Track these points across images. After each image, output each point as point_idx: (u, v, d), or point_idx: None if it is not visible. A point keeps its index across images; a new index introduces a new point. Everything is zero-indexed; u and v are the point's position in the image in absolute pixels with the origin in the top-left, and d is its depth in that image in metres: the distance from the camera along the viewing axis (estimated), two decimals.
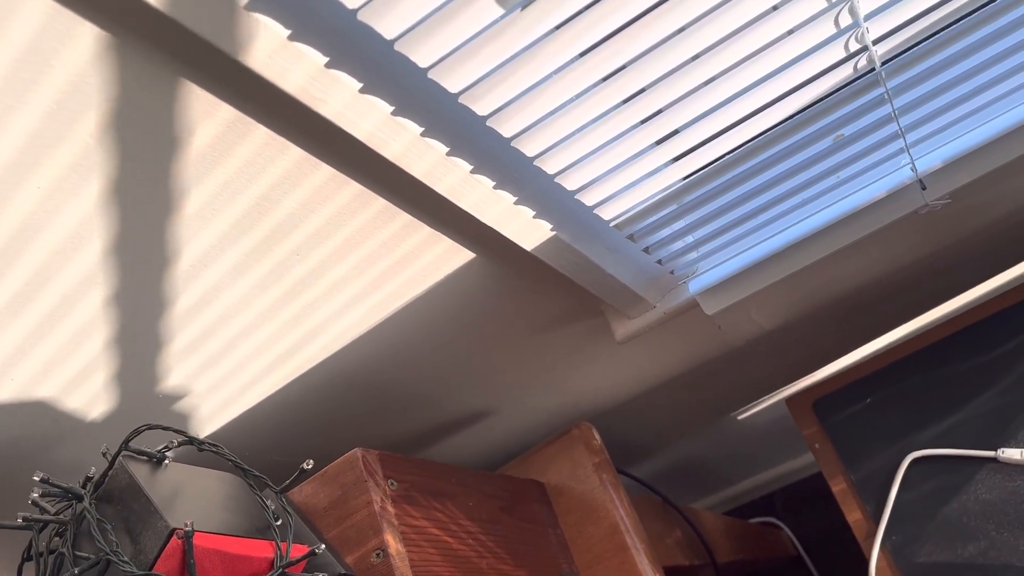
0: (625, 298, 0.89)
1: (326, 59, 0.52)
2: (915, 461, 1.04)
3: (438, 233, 0.75)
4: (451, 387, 1.03)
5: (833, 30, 0.58)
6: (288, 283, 0.74)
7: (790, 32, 0.58)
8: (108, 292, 0.66)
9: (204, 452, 0.71)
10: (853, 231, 0.82)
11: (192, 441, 0.70)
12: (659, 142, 0.67)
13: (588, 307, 0.95)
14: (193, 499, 0.67)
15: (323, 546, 0.66)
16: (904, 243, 1.00)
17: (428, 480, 0.86)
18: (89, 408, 0.77)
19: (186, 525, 0.61)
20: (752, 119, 0.65)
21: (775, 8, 0.56)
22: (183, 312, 0.71)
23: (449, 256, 0.79)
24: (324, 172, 0.64)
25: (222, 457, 0.70)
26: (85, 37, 0.48)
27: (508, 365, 1.03)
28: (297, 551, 0.67)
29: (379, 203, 0.69)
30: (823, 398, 1.12)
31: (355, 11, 0.49)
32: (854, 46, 0.61)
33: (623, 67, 0.59)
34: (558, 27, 0.54)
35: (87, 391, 0.75)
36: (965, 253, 1.06)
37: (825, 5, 0.56)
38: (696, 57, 0.59)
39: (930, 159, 0.79)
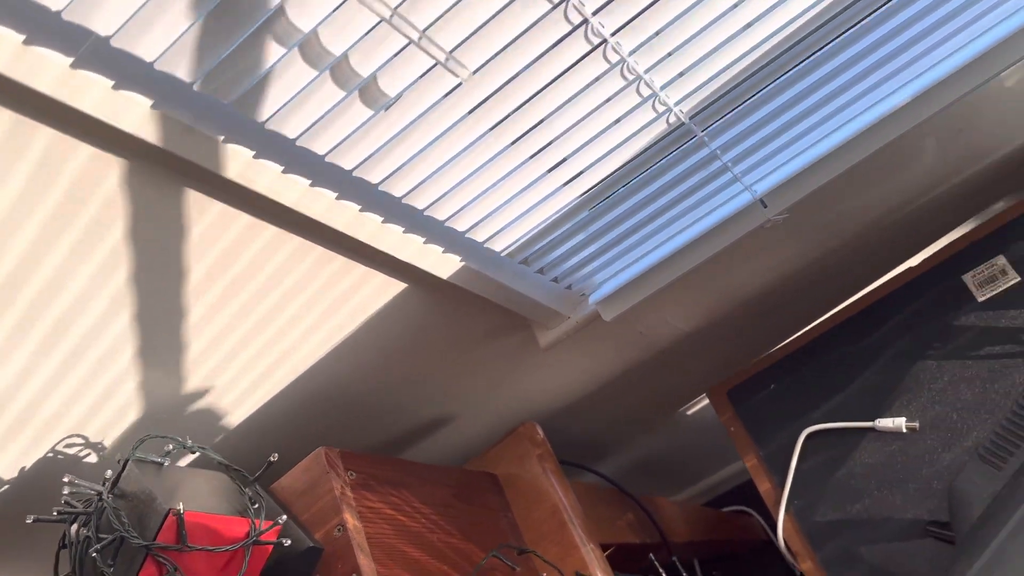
0: (540, 312, 1.08)
1: (252, 152, 0.72)
2: (810, 436, 1.21)
3: (372, 270, 0.94)
4: (411, 399, 1.22)
5: (638, 99, 0.77)
6: (256, 317, 0.93)
7: (607, 100, 0.77)
8: (118, 331, 0.86)
9: (202, 456, 0.91)
10: (713, 245, 1.00)
11: (184, 446, 0.89)
12: (529, 186, 0.86)
13: (515, 321, 1.14)
14: (186, 490, 0.87)
15: (284, 517, 0.85)
16: (785, 253, 1.18)
17: (385, 471, 1.05)
18: (108, 426, 0.96)
19: (180, 506, 0.80)
20: (597, 165, 0.84)
21: (588, 86, 0.75)
22: (177, 344, 0.91)
23: (385, 288, 0.98)
24: (270, 231, 0.83)
25: (209, 457, 0.90)
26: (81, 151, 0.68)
27: (459, 377, 1.22)
28: (268, 526, 0.87)
29: (318, 250, 0.88)
30: (735, 387, 1.30)
31: (263, 123, 0.68)
32: (660, 108, 0.80)
33: (471, 144, 0.78)
34: (435, 104, 0.73)
35: (107, 412, 0.95)
36: (844, 258, 1.24)
37: (623, 83, 0.75)
38: (541, 122, 0.78)
39: (768, 181, 0.97)
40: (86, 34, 0.57)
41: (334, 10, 0.61)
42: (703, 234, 0.99)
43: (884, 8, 0.84)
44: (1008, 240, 1.14)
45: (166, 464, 0.89)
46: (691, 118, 0.82)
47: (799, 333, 1.28)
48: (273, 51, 0.62)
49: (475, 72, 0.69)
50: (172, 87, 0.64)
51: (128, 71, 0.61)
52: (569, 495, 1.21)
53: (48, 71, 0.58)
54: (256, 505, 0.89)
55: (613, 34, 0.71)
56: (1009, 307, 1.12)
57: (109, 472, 0.88)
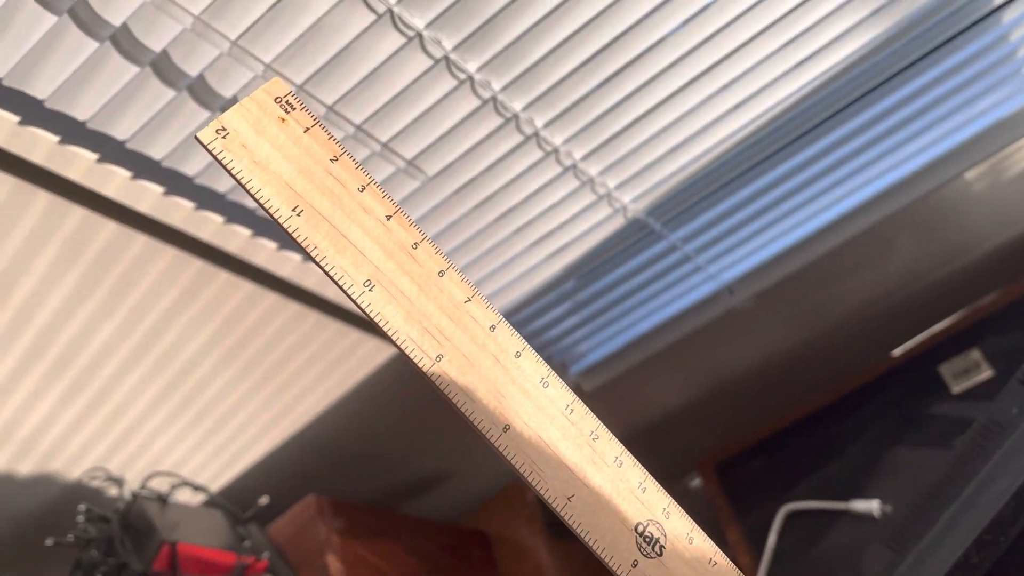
0: None
1: (250, 231, 0.83)
2: (789, 514, 1.25)
3: (365, 334, 1.05)
4: (408, 455, 1.31)
5: (592, 198, 0.87)
6: (261, 371, 1.04)
7: (561, 201, 0.87)
8: (138, 380, 0.98)
9: (203, 495, 1.01)
10: (683, 328, 1.07)
11: (186, 483, 1.00)
12: (500, 270, 0.95)
13: None
14: (184, 524, 0.97)
15: (268, 553, 0.95)
16: (767, 337, 1.25)
17: (373, 521, 1.14)
18: (122, 464, 1.08)
19: (173, 539, 0.91)
20: (553, 257, 0.93)
21: (544, 185, 0.84)
22: (189, 392, 1.03)
23: (379, 350, 1.08)
24: (270, 298, 0.95)
25: (206, 494, 1.00)
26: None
27: (454, 434, 1.31)
28: (253, 561, 0.96)
29: (314, 316, 0.99)
30: (722, 461, 1.35)
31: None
32: (616, 205, 0.89)
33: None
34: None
35: (124, 450, 1.07)
36: (827, 344, 1.29)
37: (577, 184, 0.85)
38: (495, 220, 0.88)
39: (735, 269, 1.05)
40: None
41: None
42: (674, 317, 1.07)
43: (851, 106, 0.89)
44: (983, 334, 1.18)
45: (170, 500, 1.00)
46: (649, 213, 0.91)
47: (784, 413, 1.33)
48: None
49: (433, 177, 0.79)
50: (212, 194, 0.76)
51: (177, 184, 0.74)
52: (554, 553, 1.27)
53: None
54: (245, 541, 0.99)
55: (564, 143, 0.80)
56: (981, 399, 1.16)
57: (120, 504, 0.99)
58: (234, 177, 0.38)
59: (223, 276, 0.90)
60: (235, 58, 0.65)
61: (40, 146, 0.69)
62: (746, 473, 1.32)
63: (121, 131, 0.68)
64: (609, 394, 1.22)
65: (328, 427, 1.17)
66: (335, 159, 0.39)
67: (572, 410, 0.40)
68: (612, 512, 0.39)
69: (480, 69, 0.71)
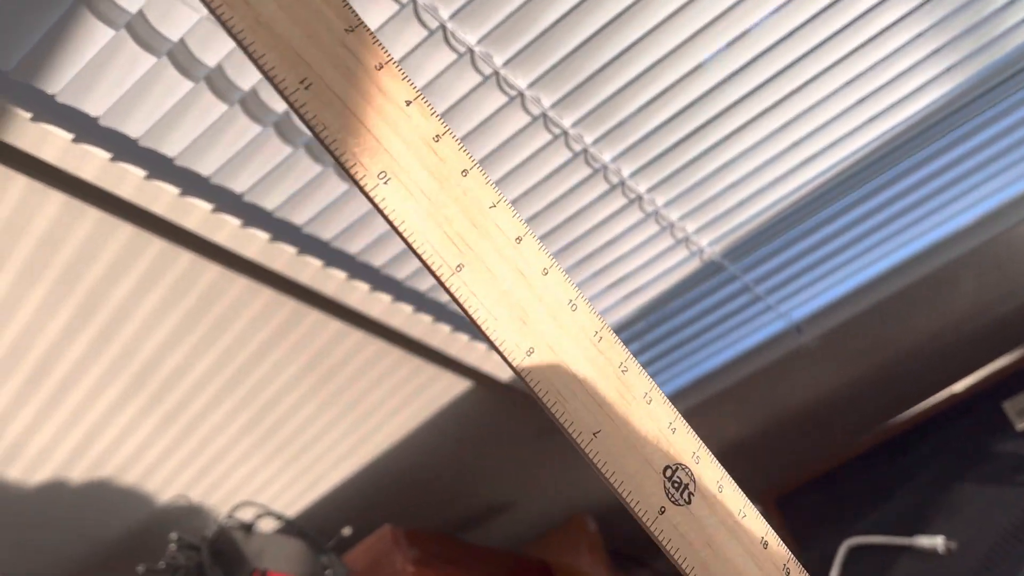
0: None
1: (345, 274, 0.87)
2: (851, 548, 1.26)
3: (441, 369, 1.08)
4: (474, 485, 1.34)
5: (671, 241, 0.90)
6: (340, 405, 1.08)
7: (641, 244, 0.90)
8: (226, 413, 1.02)
9: (285, 523, 1.05)
10: (750, 366, 1.10)
11: (272, 513, 1.04)
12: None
13: None
14: (270, 552, 1.01)
15: None
16: (829, 372, 1.26)
17: (445, 550, 1.17)
18: (205, 491, 1.12)
19: (263, 567, 0.94)
20: (627, 299, 0.96)
21: (626, 231, 0.88)
22: (271, 425, 1.07)
23: (450, 386, 1.12)
24: (355, 336, 0.99)
25: (292, 524, 1.04)
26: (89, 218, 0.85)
27: (520, 466, 1.33)
28: None
29: (396, 353, 1.03)
30: (783, 495, 1.36)
31: (328, 241, 0.84)
32: (693, 248, 0.92)
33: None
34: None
35: (210, 478, 1.11)
36: (889, 378, 1.31)
37: (657, 229, 0.88)
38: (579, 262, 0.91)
39: (805, 308, 1.07)
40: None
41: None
42: (741, 354, 1.09)
43: (926, 151, 0.92)
44: None
45: (255, 528, 1.04)
46: (724, 256, 0.94)
47: (846, 447, 1.34)
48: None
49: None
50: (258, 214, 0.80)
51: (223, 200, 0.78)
52: None
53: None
54: (328, 570, 1.02)
55: (649, 191, 0.84)
56: None
57: (209, 532, 1.03)
58: (233, 37, 0.33)
59: (313, 315, 0.94)
60: None
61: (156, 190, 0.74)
62: (808, 507, 1.33)
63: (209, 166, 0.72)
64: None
65: (400, 458, 1.21)
66: (350, 29, 0.34)
67: (601, 338, 0.36)
68: (639, 452, 0.36)
69: (575, 124, 0.75)
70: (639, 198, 0.84)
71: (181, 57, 0.62)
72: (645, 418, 0.37)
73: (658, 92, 0.74)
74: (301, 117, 0.33)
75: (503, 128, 0.73)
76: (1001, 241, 1.11)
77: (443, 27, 0.65)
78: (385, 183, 0.33)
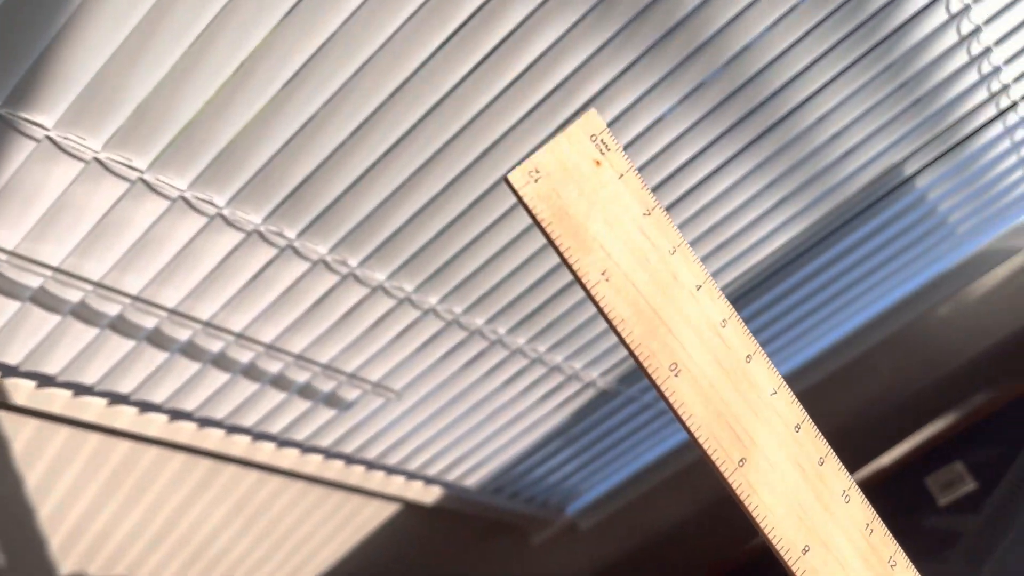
0: (524, 520, 1.22)
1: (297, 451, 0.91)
2: None
3: (365, 497, 1.11)
4: None
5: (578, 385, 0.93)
6: (268, 543, 1.11)
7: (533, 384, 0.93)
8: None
9: None
10: (683, 459, 1.13)
11: None
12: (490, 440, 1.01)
13: (504, 526, 1.28)
14: None
15: None
16: None
17: None
18: None
19: None
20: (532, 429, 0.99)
21: (529, 382, 0.91)
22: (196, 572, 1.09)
23: (380, 510, 1.14)
24: (275, 480, 1.02)
25: None
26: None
27: (474, 569, 1.36)
28: None
29: (318, 491, 1.06)
30: (732, 570, 1.39)
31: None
32: (585, 380, 0.95)
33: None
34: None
35: None
36: None
37: (545, 370, 0.91)
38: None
39: None
40: None
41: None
42: (672, 450, 1.13)
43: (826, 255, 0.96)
44: (967, 445, 1.22)
45: None
46: (619, 382, 0.97)
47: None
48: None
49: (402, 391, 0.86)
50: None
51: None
52: None
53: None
54: None
55: (529, 341, 0.87)
56: (966, 512, 1.19)
57: None
58: (541, 228, 0.32)
59: (230, 469, 0.97)
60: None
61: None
62: None
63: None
64: (611, 521, 1.27)
65: None
66: (648, 213, 0.33)
67: (872, 531, 0.35)
68: None
69: (443, 300, 0.79)
70: (520, 350, 0.88)
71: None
72: None
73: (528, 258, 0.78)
74: (599, 308, 0.32)
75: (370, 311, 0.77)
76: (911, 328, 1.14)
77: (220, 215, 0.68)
78: (676, 375, 0.32)
